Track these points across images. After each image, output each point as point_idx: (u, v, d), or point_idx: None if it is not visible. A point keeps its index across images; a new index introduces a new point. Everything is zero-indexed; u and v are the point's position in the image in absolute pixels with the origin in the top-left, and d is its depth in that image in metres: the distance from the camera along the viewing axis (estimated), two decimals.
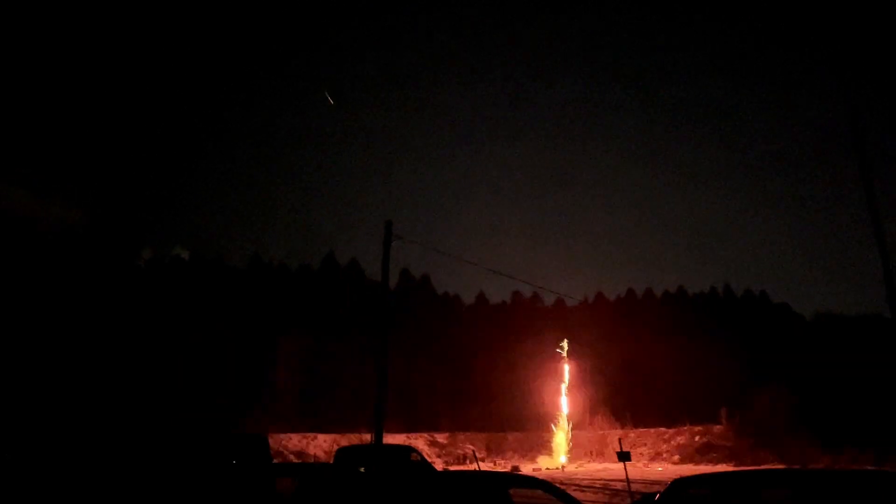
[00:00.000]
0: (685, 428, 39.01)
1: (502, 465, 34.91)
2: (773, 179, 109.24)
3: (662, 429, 39.74)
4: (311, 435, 35.37)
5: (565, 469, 32.87)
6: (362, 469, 17.49)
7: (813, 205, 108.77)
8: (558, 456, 36.47)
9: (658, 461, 36.29)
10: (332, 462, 20.39)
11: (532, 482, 6.78)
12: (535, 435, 39.50)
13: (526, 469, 31.97)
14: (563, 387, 38.69)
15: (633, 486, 17.59)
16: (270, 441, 17.37)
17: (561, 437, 37.51)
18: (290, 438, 34.21)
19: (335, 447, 25.65)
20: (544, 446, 38.22)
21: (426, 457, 26.46)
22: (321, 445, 34.37)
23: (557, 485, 6.33)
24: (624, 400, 42.78)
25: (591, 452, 38.63)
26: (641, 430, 40.34)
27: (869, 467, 28.07)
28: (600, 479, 24.90)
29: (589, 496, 19.13)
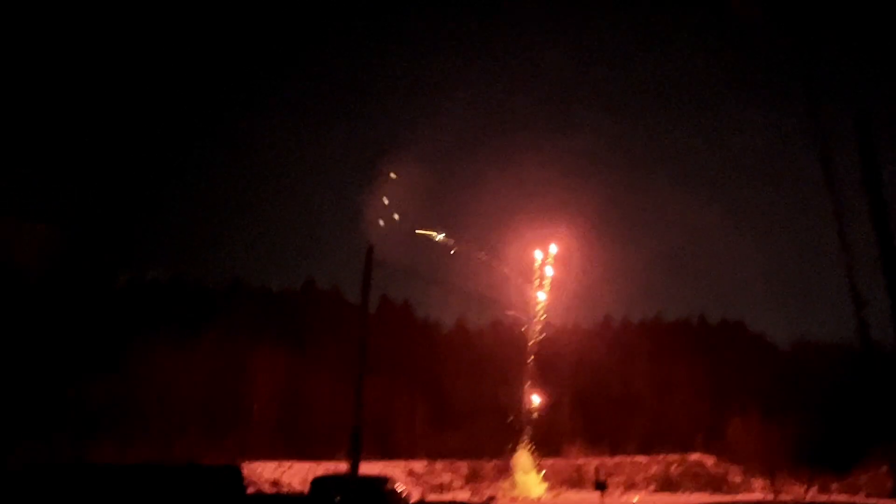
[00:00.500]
0: (661, 457, 39.12)
1: (479, 495, 34.66)
2: (748, 210, 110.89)
3: (639, 457, 39.81)
4: (287, 463, 34.90)
5: (542, 500, 32.73)
6: (338, 499, 17.32)
7: (788, 236, 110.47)
8: (533, 484, 36.25)
9: (635, 490, 36.31)
10: (307, 492, 20.15)
11: None
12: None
13: (504, 499, 31.80)
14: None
15: None
16: (244, 470, 17.17)
17: (525, 460, 36.98)
18: (265, 467, 33.73)
19: (311, 476, 25.35)
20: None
21: (403, 486, 26.22)
22: (297, 474, 33.89)
23: None
24: (601, 427, 42.82)
25: (568, 481, 38.51)
26: (618, 458, 40.37)
27: (840, 497, 28.36)
28: None
29: None
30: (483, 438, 42.56)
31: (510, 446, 38.22)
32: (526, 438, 37.95)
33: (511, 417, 38.99)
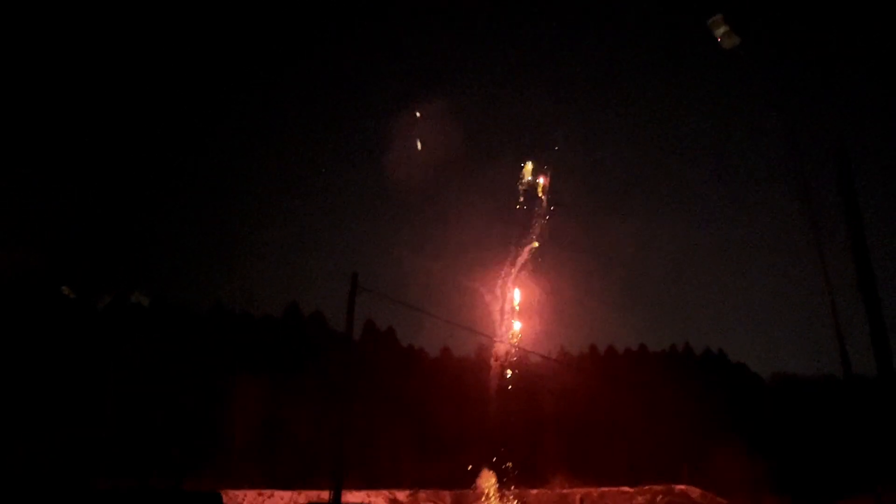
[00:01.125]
0: (647, 487, 38.98)
1: None
2: (731, 241, 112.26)
3: (625, 487, 39.61)
4: (268, 492, 34.40)
5: None
6: None
7: (770, 268, 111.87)
8: None
9: None
10: None
11: None
12: (502, 493, 38.94)
13: None
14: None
15: None
16: (225, 498, 16.91)
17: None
18: (246, 495, 33.23)
19: None
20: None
21: None
22: (278, 503, 33.42)
23: None
24: (586, 457, 42.63)
25: None
26: (604, 488, 40.14)
27: None
28: None
29: None
30: (468, 467, 42.19)
31: (480, 475, 38.02)
32: (501, 467, 37.77)
33: (495, 446, 38.77)
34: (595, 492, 39.41)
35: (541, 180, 42.60)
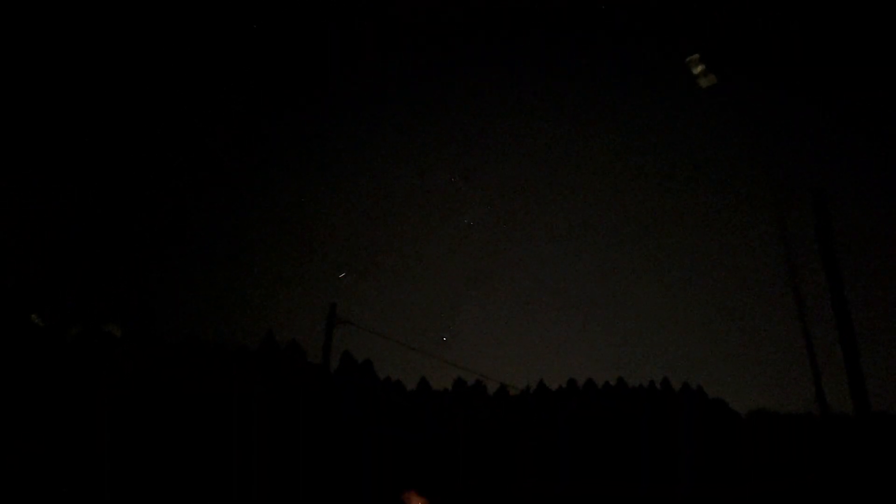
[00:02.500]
0: None
1: None
2: (709, 276, 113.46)
3: None
4: None
5: None
6: None
7: (749, 304, 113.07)
8: None
9: None
10: None
11: None
12: None
13: None
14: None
15: None
16: None
17: None
18: None
19: None
20: None
21: None
22: None
23: None
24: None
25: None
26: None
27: None
28: None
29: None
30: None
31: None
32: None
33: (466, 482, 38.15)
34: None
35: None
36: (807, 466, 34.53)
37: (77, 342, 46.70)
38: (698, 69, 15.81)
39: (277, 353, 54.12)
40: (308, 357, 51.76)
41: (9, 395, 34.48)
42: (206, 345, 52.10)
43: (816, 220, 12.68)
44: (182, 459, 38.54)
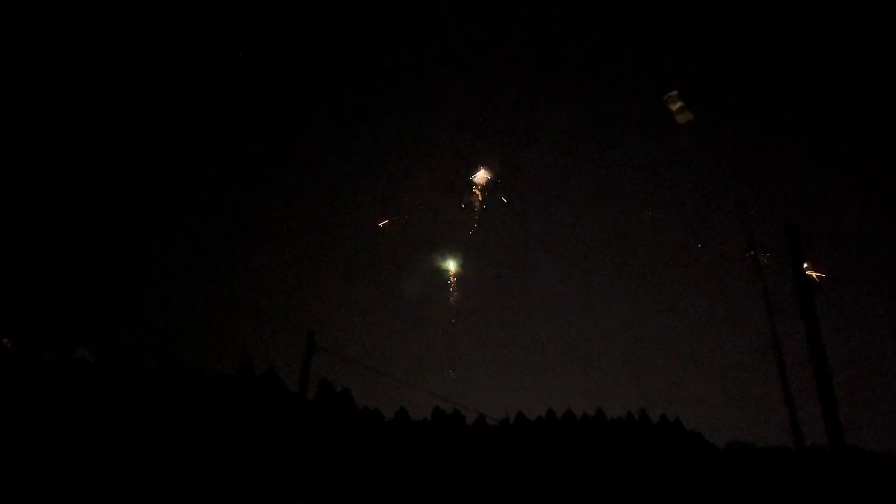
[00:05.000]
0: None
1: None
2: (688, 309, 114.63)
3: None
4: None
5: None
6: None
7: (727, 337, 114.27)
8: None
9: None
10: None
11: None
12: None
13: None
14: None
15: None
16: None
17: None
18: None
19: None
20: None
21: None
22: None
23: None
24: None
25: None
26: None
27: None
28: None
29: None
30: None
31: None
32: None
33: None
34: None
35: None
36: (782, 500, 34.67)
37: (50, 367, 45.83)
38: (676, 106, 16.25)
39: (254, 380, 53.38)
40: (286, 385, 51.19)
41: None
42: (182, 371, 51.28)
43: (791, 252, 12.97)
44: (152, 484, 37.76)
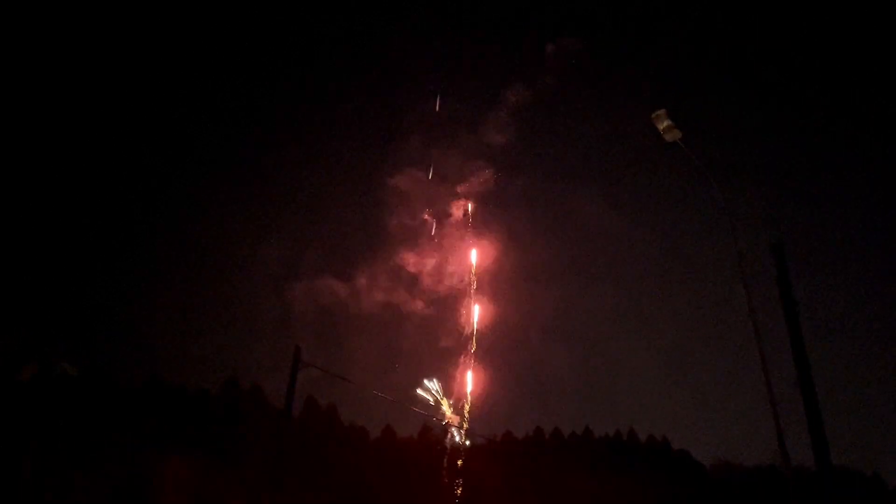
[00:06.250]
0: None
1: None
2: (677, 329, 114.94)
3: None
4: None
5: None
6: None
7: (711, 358, 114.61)
8: None
9: None
10: None
11: None
12: None
13: None
14: None
15: None
16: None
17: None
18: None
19: None
20: None
21: None
22: None
23: None
24: None
25: None
26: None
27: None
28: None
29: None
30: None
31: None
32: None
33: None
34: None
35: None
36: None
37: (31, 382, 45.06)
38: (664, 124, 16.25)
39: (239, 396, 52.74)
40: (271, 401, 50.60)
41: None
42: (166, 387, 50.64)
43: (777, 269, 12.85)
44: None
